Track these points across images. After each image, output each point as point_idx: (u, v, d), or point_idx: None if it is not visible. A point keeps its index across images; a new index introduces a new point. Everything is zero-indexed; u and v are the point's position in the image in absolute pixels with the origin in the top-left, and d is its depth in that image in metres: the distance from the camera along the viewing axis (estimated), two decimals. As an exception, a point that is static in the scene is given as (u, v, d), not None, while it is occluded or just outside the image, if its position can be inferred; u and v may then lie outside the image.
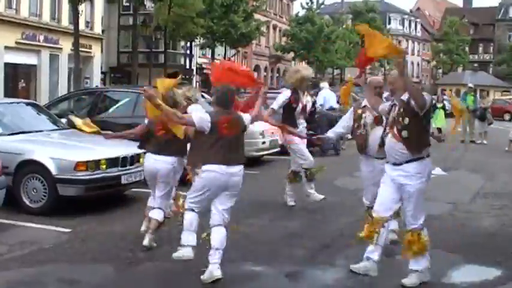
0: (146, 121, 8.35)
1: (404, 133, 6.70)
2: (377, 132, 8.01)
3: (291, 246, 8.38)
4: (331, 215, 10.51)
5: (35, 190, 9.99)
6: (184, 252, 7.18)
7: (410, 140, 6.68)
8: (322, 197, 10.90)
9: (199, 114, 7.15)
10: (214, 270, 6.71)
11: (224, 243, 6.84)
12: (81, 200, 10.16)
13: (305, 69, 11.11)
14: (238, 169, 6.99)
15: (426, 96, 6.71)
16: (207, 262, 6.75)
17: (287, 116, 10.77)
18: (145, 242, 8.01)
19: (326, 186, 12.53)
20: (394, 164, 6.87)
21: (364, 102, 8.42)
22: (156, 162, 8.07)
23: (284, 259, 7.79)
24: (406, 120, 6.69)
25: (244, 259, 7.74)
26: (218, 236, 6.85)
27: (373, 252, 7.03)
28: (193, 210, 7.15)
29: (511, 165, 17.95)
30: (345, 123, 8.85)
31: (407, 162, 6.73)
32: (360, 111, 8.45)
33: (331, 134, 9.14)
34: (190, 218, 7.16)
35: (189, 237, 7.17)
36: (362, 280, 6.98)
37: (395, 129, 6.80)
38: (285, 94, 10.78)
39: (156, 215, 8.09)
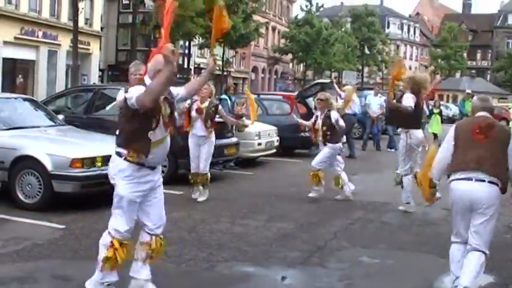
0: None
1: None
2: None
3: (284, 248, 8.38)
4: (325, 217, 10.52)
5: (30, 186, 9.97)
6: None
7: None
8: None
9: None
10: None
11: None
12: (75, 196, 10.15)
13: None
14: None
15: None
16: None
17: None
18: None
19: (322, 189, 12.53)
20: None
21: None
22: None
23: (277, 260, 7.79)
24: None
25: (238, 259, 7.75)
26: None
27: None
28: None
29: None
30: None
31: None
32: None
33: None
34: None
35: None
36: (353, 284, 7.00)
37: None
38: None
39: None
